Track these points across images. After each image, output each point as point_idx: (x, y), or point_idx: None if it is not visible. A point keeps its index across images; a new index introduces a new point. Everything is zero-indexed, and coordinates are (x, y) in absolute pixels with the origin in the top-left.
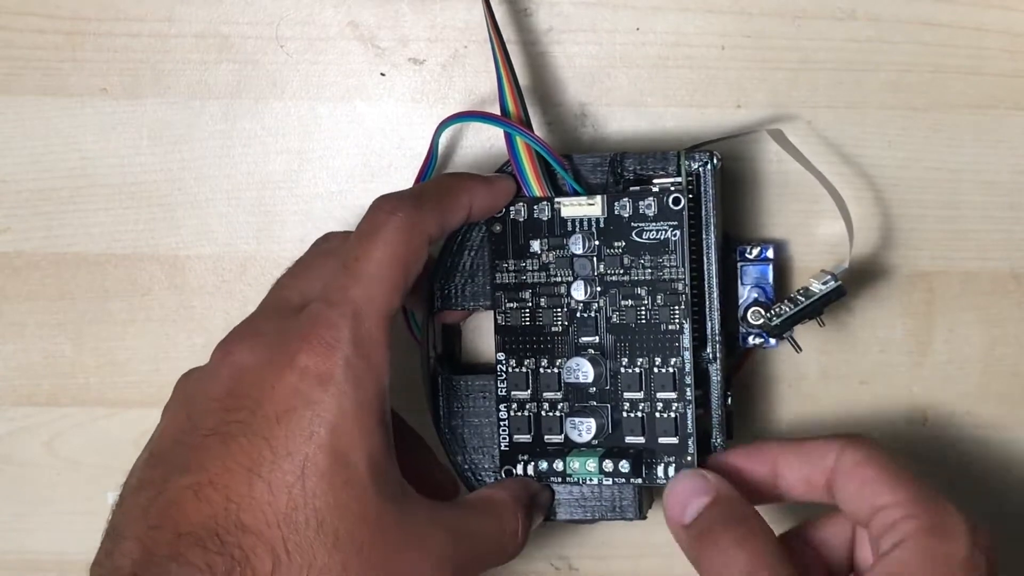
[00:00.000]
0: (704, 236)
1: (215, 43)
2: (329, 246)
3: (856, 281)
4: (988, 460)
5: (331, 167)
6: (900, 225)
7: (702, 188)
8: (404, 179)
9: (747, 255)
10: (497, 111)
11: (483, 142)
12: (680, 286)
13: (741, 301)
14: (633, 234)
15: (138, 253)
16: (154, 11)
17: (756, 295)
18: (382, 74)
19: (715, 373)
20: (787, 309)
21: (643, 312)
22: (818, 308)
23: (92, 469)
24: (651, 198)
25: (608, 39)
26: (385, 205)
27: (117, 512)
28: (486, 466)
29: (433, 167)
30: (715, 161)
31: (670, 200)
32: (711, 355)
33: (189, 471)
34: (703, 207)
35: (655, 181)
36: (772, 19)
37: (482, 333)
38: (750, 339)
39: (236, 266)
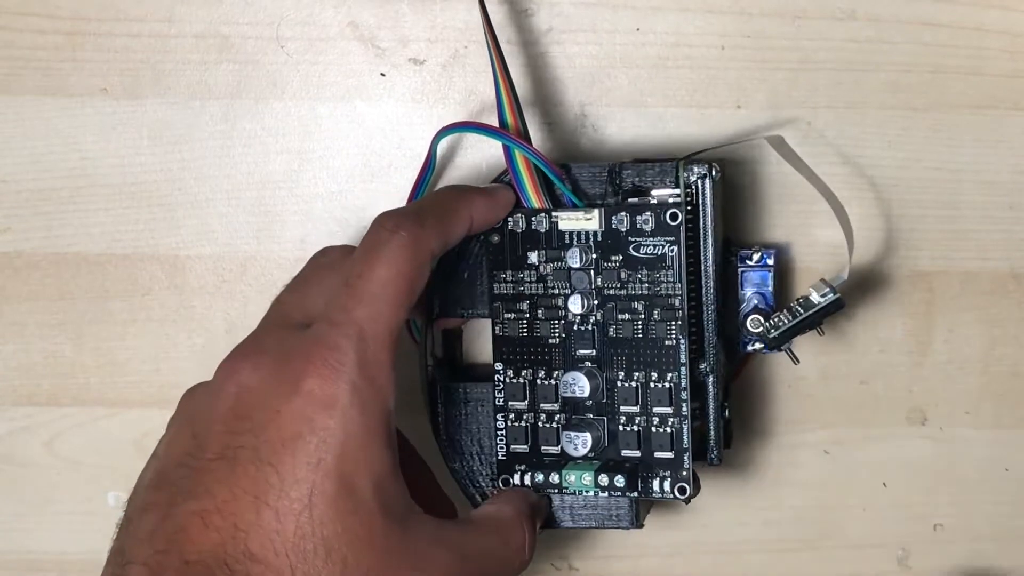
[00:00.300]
0: (703, 248)
1: (215, 43)
2: (328, 260)
3: (856, 282)
4: (988, 460)
5: (331, 167)
6: (900, 225)
7: (701, 200)
8: (404, 179)
9: (747, 261)
10: (495, 119)
11: (483, 142)
12: (677, 302)
13: (741, 307)
14: (630, 248)
15: (138, 253)
16: (154, 11)
17: (756, 301)
18: (382, 74)
19: (712, 386)
20: (785, 321)
21: (640, 326)
22: (817, 320)
23: (92, 469)
24: (649, 213)
25: (608, 39)
26: (387, 223)
27: (122, 533)
28: (483, 473)
29: (431, 174)
30: (714, 173)
31: (668, 215)
32: (708, 368)
33: (195, 496)
34: (701, 219)
35: (653, 192)
36: (772, 19)
37: (483, 336)
38: (749, 345)
39: (236, 266)
